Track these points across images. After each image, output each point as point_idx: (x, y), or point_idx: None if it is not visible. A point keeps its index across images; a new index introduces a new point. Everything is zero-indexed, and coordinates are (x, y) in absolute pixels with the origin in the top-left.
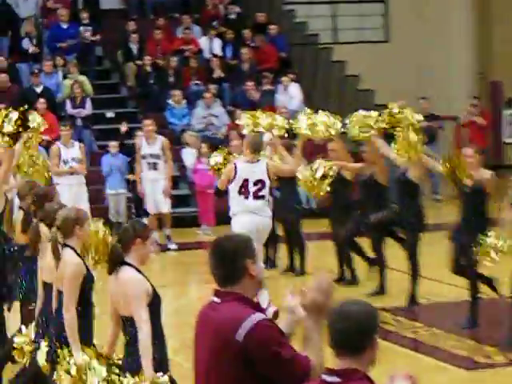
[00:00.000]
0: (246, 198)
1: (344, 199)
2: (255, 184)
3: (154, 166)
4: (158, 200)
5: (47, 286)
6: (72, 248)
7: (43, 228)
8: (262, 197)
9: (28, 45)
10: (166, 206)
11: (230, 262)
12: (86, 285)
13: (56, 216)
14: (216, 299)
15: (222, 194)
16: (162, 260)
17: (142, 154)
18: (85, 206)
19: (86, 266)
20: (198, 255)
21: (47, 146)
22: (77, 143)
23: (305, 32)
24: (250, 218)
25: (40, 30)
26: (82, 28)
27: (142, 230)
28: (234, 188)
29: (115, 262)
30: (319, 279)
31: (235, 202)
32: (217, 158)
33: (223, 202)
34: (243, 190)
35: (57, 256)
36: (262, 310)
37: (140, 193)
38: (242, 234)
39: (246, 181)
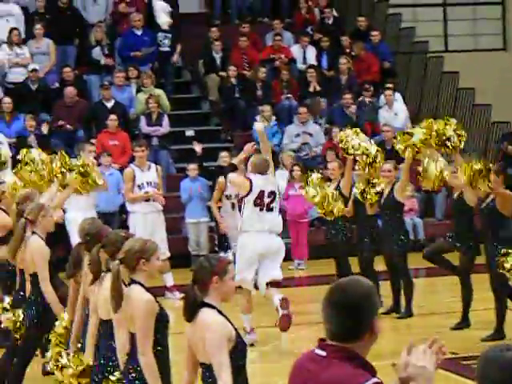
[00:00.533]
0: (261, 209)
1: (467, 227)
2: (268, 196)
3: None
4: None
5: (105, 323)
6: (140, 284)
7: (103, 255)
8: (273, 209)
9: (99, 54)
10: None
11: (355, 317)
12: (160, 324)
13: (120, 246)
14: (320, 352)
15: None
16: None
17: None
18: (161, 236)
19: (159, 304)
20: (287, 293)
21: (121, 168)
22: (153, 165)
23: (411, 39)
24: (261, 239)
25: (111, 37)
26: (159, 34)
27: (220, 265)
28: (249, 201)
29: (193, 307)
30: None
31: (249, 217)
32: (312, 190)
33: (318, 233)
34: (259, 201)
35: (118, 293)
36: (375, 372)
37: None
38: (366, 281)
39: (261, 192)
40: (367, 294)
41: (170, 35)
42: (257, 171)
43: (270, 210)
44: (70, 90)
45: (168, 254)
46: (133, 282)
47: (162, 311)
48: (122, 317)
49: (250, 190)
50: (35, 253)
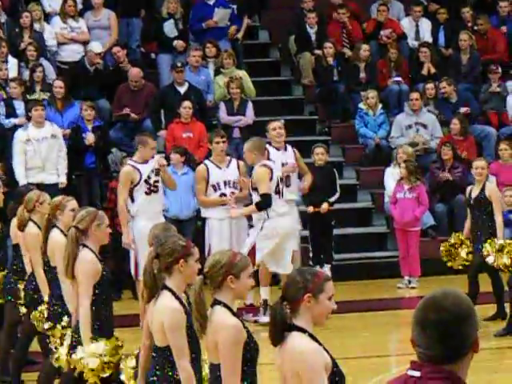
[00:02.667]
0: (280, 196)
1: None
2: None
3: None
4: None
5: (160, 350)
6: (225, 305)
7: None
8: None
9: (171, 29)
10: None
11: (456, 336)
12: (247, 354)
13: (176, 257)
14: (414, 373)
15: None
16: (344, 321)
17: None
18: (245, 248)
19: (248, 330)
20: (398, 316)
21: (197, 165)
22: (234, 161)
23: None
24: (282, 222)
25: (186, 9)
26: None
27: (315, 281)
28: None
29: (280, 329)
30: None
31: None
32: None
33: (431, 245)
34: (278, 188)
35: (203, 314)
36: None
37: None
38: (463, 295)
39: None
40: (468, 308)
41: (234, 6)
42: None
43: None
44: (135, 72)
45: (255, 268)
46: (216, 302)
47: (250, 339)
48: (205, 345)
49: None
50: (80, 269)
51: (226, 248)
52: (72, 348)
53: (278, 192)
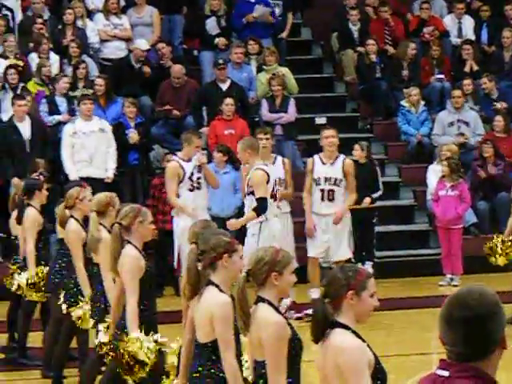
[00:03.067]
0: (275, 200)
1: None
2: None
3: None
4: None
5: (202, 347)
6: (269, 302)
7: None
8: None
9: (214, 26)
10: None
11: (483, 333)
12: (292, 351)
13: (220, 253)
14: (442, 372)
15: None
16: (385, 319)
17: None
18: (288, 244)
19: (292, 327)
20: (433, 314)
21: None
22: (279, 158)
23: None
24: (280, 223)
25: (229, 6)
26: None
27: (358, 278)
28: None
29: (322, 326)
30: None
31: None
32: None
33: (473, 243)
34: (273, 192)
35: (246, 311)
36: None
37: None
38: (489, 290)
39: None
40: (494, 305)
41: (280, 2)
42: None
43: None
44: (177, 69)
45: (295, 265)
46: (260, 299)
47: (294, 336)
48: (248, 342)
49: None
50: (125, 267)
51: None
52: (113, 345)
53: (272, 196)
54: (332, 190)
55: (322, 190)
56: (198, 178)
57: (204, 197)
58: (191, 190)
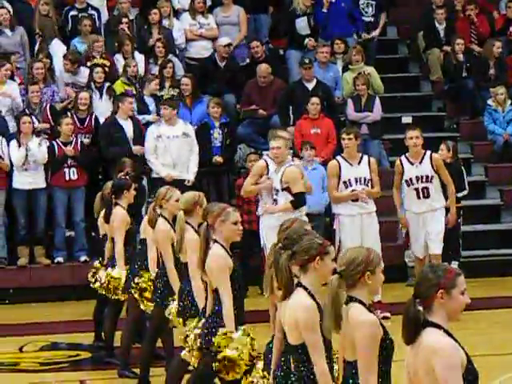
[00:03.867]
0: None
1: None
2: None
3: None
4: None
5: (293, 348)
6: (361, 302)
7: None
8: None
9: (304, 26)
10: (438, 246)
11: None
12: (384, 351)
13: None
14: None
15: None
16: (472, 318)
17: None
18: (374, 244)
19: (384, 327)
20: None
21: (324, 161)
22: (365, 158)
23: None
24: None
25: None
26: (361, 2)
27: (448, 277)
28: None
29: (414, 327)
30: None
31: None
32: None
33: None
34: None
35: (337, 312)
36: None
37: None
38: None
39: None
40: None
41: (373, 2)
42: None
43: None
44: (263, 68)
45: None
46: (352, 299)
47: (386, 336)
48: (340, 343)
49: None
50: (213, 266)
51: (357, 244)
52: (200, 345)
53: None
54: (426, 188)
55: (417, 189)
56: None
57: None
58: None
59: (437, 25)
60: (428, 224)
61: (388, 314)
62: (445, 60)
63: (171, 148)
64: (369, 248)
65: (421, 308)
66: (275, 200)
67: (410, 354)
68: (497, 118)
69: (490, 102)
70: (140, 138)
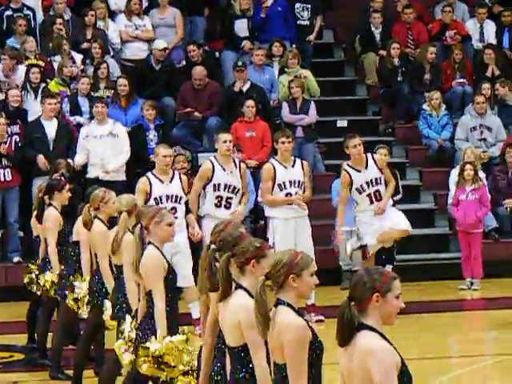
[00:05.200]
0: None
1: None
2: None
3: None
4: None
5: (232, 350)
6: (289, 305)
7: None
8: None
9: (243, 28)
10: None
11: None
12: (313, 354)
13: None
14: None
15: None
16: (406, 322)
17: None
18: (306, 247)
19: (312, 329)
20: (459, 318)
21: (259, 164)
22: (299, 161)
23: None
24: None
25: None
26: (296, 5)
27: (383, 280)
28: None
29: (348, 329)
30: None
31: None
32: None
33: (494, 247)
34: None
35: (265, 315)
36: None
37: None
38: None
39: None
40: None
41: (309, 6)
42: None
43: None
44: (198, 70)
45: (315, 267)
46: (280, 302)
47: (314, 338)
48: (269, 345)
49: None
50: (148, 267)
51: (289, 248)
52: (135, 347)
53: None
54: (378, 190)
55: (369, 195)
56: (229, 198)
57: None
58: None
59: (373, 29)
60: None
61: (322, 318)
62: (380, 64)
63: (97, 148)
64: (297, 251)
65: (356, 311)
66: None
67: (343, 357)
68: (432, 122)
69: (425, 106)
70: (64, 140)
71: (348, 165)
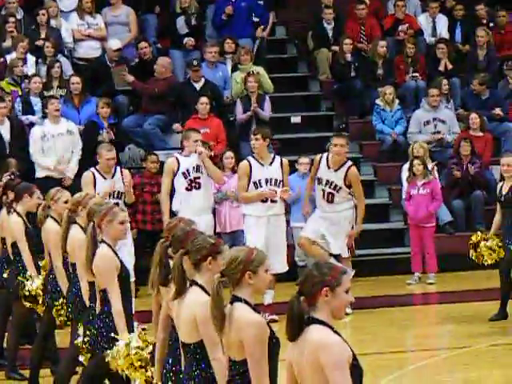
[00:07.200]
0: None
1: None
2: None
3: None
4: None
5: (187, 347)
6: (245, 301)
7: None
8: None
9: (183, 25)
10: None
11: None
12: (270, 350)
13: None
14: None
15: None
16: (359, 317)
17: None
18: (279, 245)
19: (269, 326)
20: (413, 312)
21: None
22: (278, 159)
23: None
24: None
25: (201, 3)
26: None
27: (332, 275)
28: None
29: (298, 324)
30: None
31: None
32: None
33: (448, 241)
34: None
35: (220, 312)
36: None
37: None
38: None
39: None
40: None
41: (261, 2)
42: None
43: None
44: (162, 61)
45: (285, 268)
46: (236, 299)
47: (272, 335)
48: (224, 342)
49: None
50: (101, 266)
51: (261, 245)
52: (92, 343)
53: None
54: (331, 194)
55: (323, 191)
56: (196, 178)
57: (204, 196)
58: (189, 190)
59: (325, 25)
60: (330, 227)
61: (276, 317)
62: (333, 60)
63: (56, 146)
64: (253, 248)
65: (305, 305)
66: None
67: (293, 352)
68: (385, 117)
69: (378, 101)
70: (20, 139)
71: (327, 157)
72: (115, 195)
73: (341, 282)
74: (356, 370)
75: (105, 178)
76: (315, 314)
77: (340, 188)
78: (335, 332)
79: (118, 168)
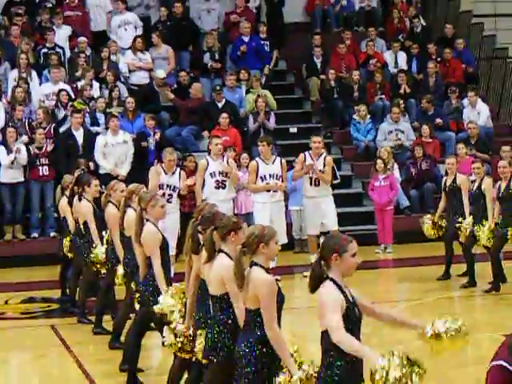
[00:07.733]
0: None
1: None
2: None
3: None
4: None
5: (214, 298)
6: (261, 266)
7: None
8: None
9: (208, 59)
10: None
11: None
12: (277, 304)
13: (230, 229)
14: None
15: None
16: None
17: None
18: (280, 225)
19: (277, 284)
20: (376, 273)
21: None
22: (278, 159)
23: (493, 46)
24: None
25: (224, 43)
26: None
27: (340, 243)
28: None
29: (318, 280)
30: None
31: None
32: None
33: (406, 221)
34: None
35: (240, 273)
36: None
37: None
38: None
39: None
40: None
41: (267, 42)
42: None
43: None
44: (196, 86)
45: (285, 241)
46: (253, 264)
47: (279, 291)
48: (243, 295)
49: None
50: (147, 239)
51: (267, 224)
52: (141, 297)
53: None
54: (318, 179)
55: (311, 178)
56: (224, 181)
57: (227, 194)
58: (216, 188)
59: (315, 59)
60: (319, 208)
61: (278, 277)
62: (321, 85)
63: (115, 152)
64: (265, 226)
65: (324, 267)
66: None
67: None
68: (360, 128)
69: (354, 116)
70: (88, 144)
71: (309, 152)
72: (171, 188)
73: (347, 249)
74: (351, 314)
75: (166, 174)
76: (330, 273)
77: (323, 172)
78: (340, 289)
79: (178, 169)
